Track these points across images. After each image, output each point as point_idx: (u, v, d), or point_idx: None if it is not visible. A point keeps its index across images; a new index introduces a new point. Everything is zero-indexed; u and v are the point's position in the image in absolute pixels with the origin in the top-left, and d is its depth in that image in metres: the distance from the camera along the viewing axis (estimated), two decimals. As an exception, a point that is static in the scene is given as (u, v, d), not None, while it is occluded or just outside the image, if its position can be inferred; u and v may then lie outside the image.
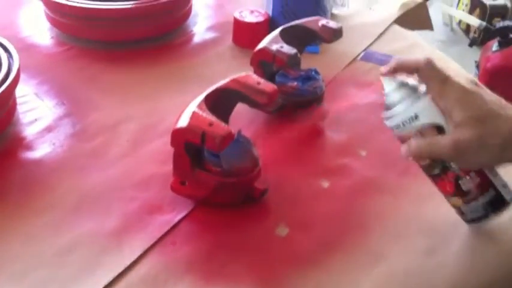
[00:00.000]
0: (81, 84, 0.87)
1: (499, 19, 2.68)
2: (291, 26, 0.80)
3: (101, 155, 0.73)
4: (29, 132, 0.76)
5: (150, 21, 0.98)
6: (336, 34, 0.79)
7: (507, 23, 1.99)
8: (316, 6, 0.96)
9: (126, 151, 0.73)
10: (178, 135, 0.59)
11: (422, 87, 0.58)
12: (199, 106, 0.61)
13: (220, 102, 0.65)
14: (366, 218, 0.65)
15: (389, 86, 0.59)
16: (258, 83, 0.65)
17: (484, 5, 2.70)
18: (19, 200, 0.66)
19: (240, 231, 0.63)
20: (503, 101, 0.56)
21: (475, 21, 2.63)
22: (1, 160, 0.71)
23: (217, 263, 0.59)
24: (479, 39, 2.59)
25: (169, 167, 0.65)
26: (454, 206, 0.61)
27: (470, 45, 2.56)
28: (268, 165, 0.70)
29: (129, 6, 0.94)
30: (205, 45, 1.01)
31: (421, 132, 0.57)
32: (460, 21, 2.90)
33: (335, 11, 1.04)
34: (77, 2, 0.93)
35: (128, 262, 0.58)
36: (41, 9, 1.02)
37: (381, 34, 1.05)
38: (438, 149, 0.56)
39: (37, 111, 0.80)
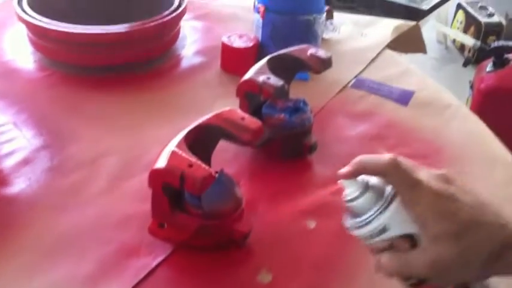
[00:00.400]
0: (62, 112, 0.84)
1: (494, 37, 2.66)
2: (279, 55, 0.77)
3: (78, 192, 0.69)
4: (5, 165, 0.73)
5: (136, 46, 0.95)
6: (325, 64, 0.76)
7: (502, 42, 1.97)
8: (306, 32, 0.93)
9: (105, 188, 0.70)
10: (156, 177, 0.56)
11: (389, 188, 0.49)
12: (178, 145, 0.58)
13: (202, 139, 0.62)
14: (354, 262, 0.62)
15: (351, 189, 0.50)
16: (242, 119, 0.62)
17: (479, 23, 2.69)
18: (-10, 241, 0.62)
19: (220, 277, 0.59)
20: (480, 198, 0.49)
21: (469, 41, 2.61)
22: (-27, 196, 0.68)
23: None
24: (474, 59, 2.58)
25: (149, 206, 0.62)
26: None
27: (464, 65, 2.55)
28: (252, 205, 0.68)
29: (114, 31, 0.91)
30: (192, 70, 0.98)
31: (392, 243, 0.49)
32: (454, 39, 2.89)
33: (326, 36, 1.02)
34: (61, 26, 0.90)
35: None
36: (24, 33, 0.99)
37: (373, 60, 1.03)
38: (413, 267, 0.48)
39: (14, 143, 0.77)
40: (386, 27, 1.11)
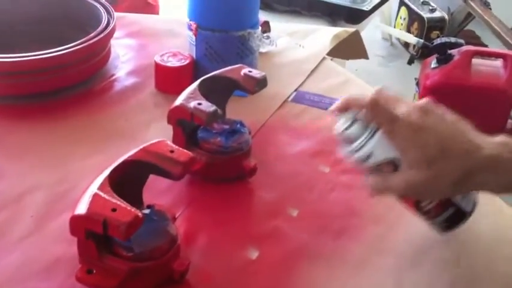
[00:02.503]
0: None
1: (438, 32, 2.70)
2: (211, 77, 0.74)
3: (1, 236, 0.64)
4: None
5: (63, 71, 0.89)
6: (259, 84, 0.73)
7: (444, 39, 1.98)
8: (241, 47, 0.90)
9: (30, 229, 0.65)
10: (77, 223, 0.52)
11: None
12: (101, 186, 0.54)
13: (130, 175, 0.58)
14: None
15: (342, 120, 0.60)
16: (172, 151, 0.58)
17: (422, 18, 2.72)
18: None
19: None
20: (456, 126, 0.56)
21: (411, 39, 2.63)
22: None
23: None
24: (418, 56, 2.61)
25: (78, 248, 0.58)
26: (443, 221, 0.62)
27: (409, 63, 2.57)
28: (191, 237, 0.65)
29: (38, 57, 0.85)
30: (125, 92, 0.93)
31: (378, 167, 0.58)
32: (399, 36, 2.91)
33: (263, 50, 0.99)
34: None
35: None
36: None
37: (312, 71, 1.01)
38: (392, 187, 0.57)
39: None
40: (325, 36, 1.09)
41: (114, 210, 0.51)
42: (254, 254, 0.63)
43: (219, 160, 0.71)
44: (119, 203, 0.52)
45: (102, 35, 0.91)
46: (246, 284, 0.60)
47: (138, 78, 0.96)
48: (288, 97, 0.93)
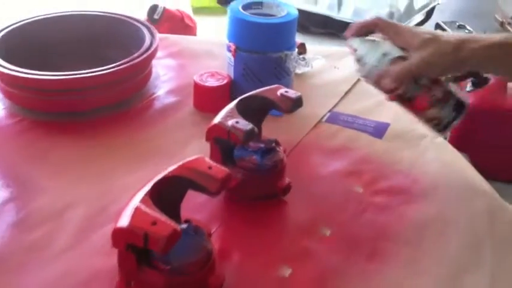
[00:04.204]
0: (30, 161, 0.82)
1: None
2: (249, 97, 0.76)
3: (42, 249, 0.67)
4: (-31, 221, 0.71)
5: (106, 90, 0.93)
6: (295, 104, 0.75)
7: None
8: (278, 69, 0.92)
9: (71, 243, 0.67)
10: (119, 236, 0.54)
11: (379, 38, 0.77)
12: (143, 200, 0.56)
13: (169, 190, 0.60)
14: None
15: (355, 43, 0.78)
16: (209, 168, 0.60)
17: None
18: None
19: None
20: (454, 36, 0.72)
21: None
22: None
23: None
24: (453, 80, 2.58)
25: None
26: (431, 119, 0.76)
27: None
28: (225, 253, 0.66)
29: (83, 76, 0.89)
30: (164, 111, 0.96)
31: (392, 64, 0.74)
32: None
33: (299, 71, 1.01)
34: (29, 74, 0.88)
35: None
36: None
37: (347, 93, 1.02)
38: (411, 67, 0.73)
39: (-21, 196, 0.75)
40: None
41: (154, 223, 0.53)
42: (287, 272, 0.65)
43: (253, 178, 0.73)
44: (159, 216, 0.53)
45: (145, 55, 0.94)
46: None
47: (177, 97, 0.99)
48: (322, 117, 0.94)
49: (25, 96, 0.92)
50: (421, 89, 0.75)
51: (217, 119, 0.71)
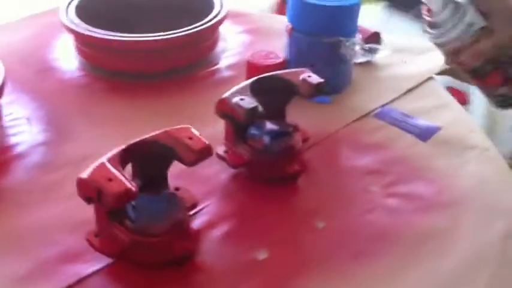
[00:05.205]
0: (77, 113, 0.88)
1: None
2: (269, 77, 0.74)
3: (55, 191, 0.72)
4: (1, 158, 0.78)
5: (168, 54, 0.96)
6: (315, 90, 0.72)
7: None
8: (330, 54, 0.89)
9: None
10: (79, 186, 0.57)
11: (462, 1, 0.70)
12: (111, 157, 0.58)
13: (152, 155, 0.62)
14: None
15: (436, 5, 0.71)
16: (190, 138, 0.60)
17: None
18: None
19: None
20: None
21: None
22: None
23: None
24: None
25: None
26: (498, 95, 0.75)
27: None
28: (211, 227, 0.67)
29: (152, 38, 0.93)
30: (219, 83, 0.98)
31: (477, 38, 0.70)
32: None
33: (357, 60, 0.96)
34: (99, 33, 0.93)
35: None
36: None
37: (411, 90, 0.96)
38: (497, 46, 0.68)
39: (19, 136, 0.82)
40: (435, 57, 1.03)
41: (110, 180, 0.54)
42: (262, 256, 0.63)
43: (260, 160, 0.72)
44: (117, 174, 0.55)
45: (208, 24, 0.96)
46: (244, 281, 0.60)
47: (234, 72, 1.00)
48: (371, 111, 0.90)
49: (94, 54, 0.98)
50: (500, 66, 0.72)
51: (226, 94, 0.70)
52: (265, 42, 1.08)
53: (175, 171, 0.65)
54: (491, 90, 0.75)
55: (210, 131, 0.68)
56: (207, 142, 0.60)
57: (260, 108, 0.68)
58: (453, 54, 0.73)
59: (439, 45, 0.75)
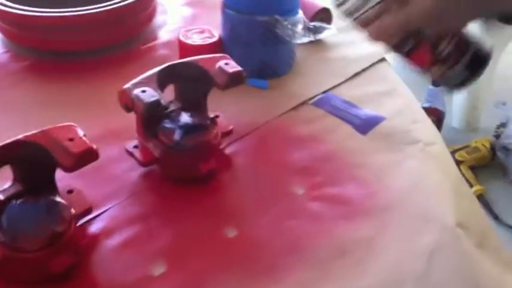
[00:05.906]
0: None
1: None
2: (181, 64, 0.66)
3: None
4: None
5: (98, 29, 0.88)
6: (230, 80, 0.64)
7: None
8: (266, 33, 0.81)
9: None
10: None
11: None
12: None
13: (30, 158, 0.54)
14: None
15: None
16: (71, 139, 0.53)
17: None
18: None
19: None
20: None
21: None
22: None
23: None
24: None
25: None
26: (436, 77, 0.63)
27: None
28: (109, 234, 0.60)
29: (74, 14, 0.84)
30: (149, 63, 0.88)
31: (384, 7, 0.58)
32: None
33: (299, 41, 0.87)
34: (28, 11, 0.85)
35: None
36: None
37: (358, 74, 0.88)
38: (408, 21, 0.56)
39: None
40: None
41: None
42: (158, 272, 0.56)
43: (172, 157, 0.64)
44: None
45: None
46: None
47: (167, 51, 0.91)
48: (310, 99, 0.82)
49: (15, 32, 0.90)
50: (424, 41, 0.61)
51: (128, 84, 0.62)
52: (209, 17, 1.00)
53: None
54: (425, 71, 0.64)
55: (128, 121, 0.60)
56: (90, 145, 0.52)
57: (164, 102, 0.60)
58: (362, 27, 0.62)
59: (344, 15, 0.63)
